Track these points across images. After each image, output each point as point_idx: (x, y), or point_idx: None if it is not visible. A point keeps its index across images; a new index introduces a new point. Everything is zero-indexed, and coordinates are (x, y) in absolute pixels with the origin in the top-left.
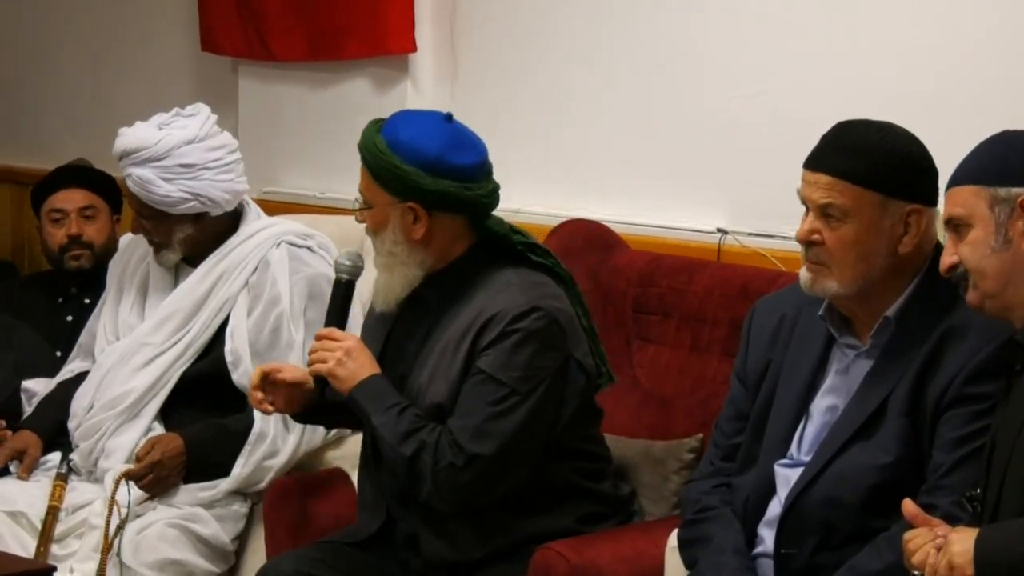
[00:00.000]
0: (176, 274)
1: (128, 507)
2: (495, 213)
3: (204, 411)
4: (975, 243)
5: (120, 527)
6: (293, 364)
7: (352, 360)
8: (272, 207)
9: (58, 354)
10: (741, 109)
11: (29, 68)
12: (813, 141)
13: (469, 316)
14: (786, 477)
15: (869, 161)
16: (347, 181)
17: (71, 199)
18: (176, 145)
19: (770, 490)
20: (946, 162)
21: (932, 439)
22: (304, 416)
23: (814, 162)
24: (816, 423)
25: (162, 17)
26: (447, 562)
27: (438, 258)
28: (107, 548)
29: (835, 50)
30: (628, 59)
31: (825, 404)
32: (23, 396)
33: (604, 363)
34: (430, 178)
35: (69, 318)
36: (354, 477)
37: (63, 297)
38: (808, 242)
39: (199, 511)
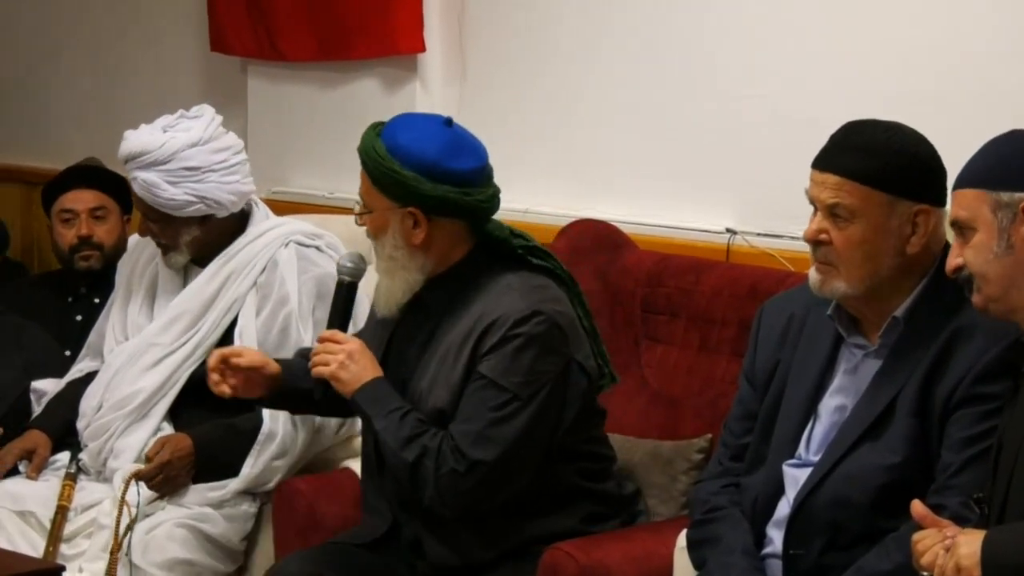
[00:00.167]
0: (185, 274)
1: (138, 507)
2: (501, 213)
3: (213, 411)
4: (978, 247)
5: (130, 527)
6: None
7: (355, 363)
8: (281, 207)
9: (67, 353)
10: (750, 109)
11: (38, 68)
12: (822, 141)
13: (470, 321)
14: (794, 477)
15: (877, 161)
16: (356, 181)
17: (81, 199)
18: (180, 148)
19: (778, 490)
20: (955, 162)
21: (941, 439)
22: (270, 401)
23: (822, 162)
24: (824, 423)
25: (171, 17)
26: (452, 566)
27: (438, 262)
28: (117, 548)
29: (843, 50)
30: (637, 59)
31: (833, 404)
32: (32, 396)
33: (606, 363)
34: (430, 183)
35: (79, 318)
36: None
37: (73, 296)
38: (816, 242)
39: (208, 511)
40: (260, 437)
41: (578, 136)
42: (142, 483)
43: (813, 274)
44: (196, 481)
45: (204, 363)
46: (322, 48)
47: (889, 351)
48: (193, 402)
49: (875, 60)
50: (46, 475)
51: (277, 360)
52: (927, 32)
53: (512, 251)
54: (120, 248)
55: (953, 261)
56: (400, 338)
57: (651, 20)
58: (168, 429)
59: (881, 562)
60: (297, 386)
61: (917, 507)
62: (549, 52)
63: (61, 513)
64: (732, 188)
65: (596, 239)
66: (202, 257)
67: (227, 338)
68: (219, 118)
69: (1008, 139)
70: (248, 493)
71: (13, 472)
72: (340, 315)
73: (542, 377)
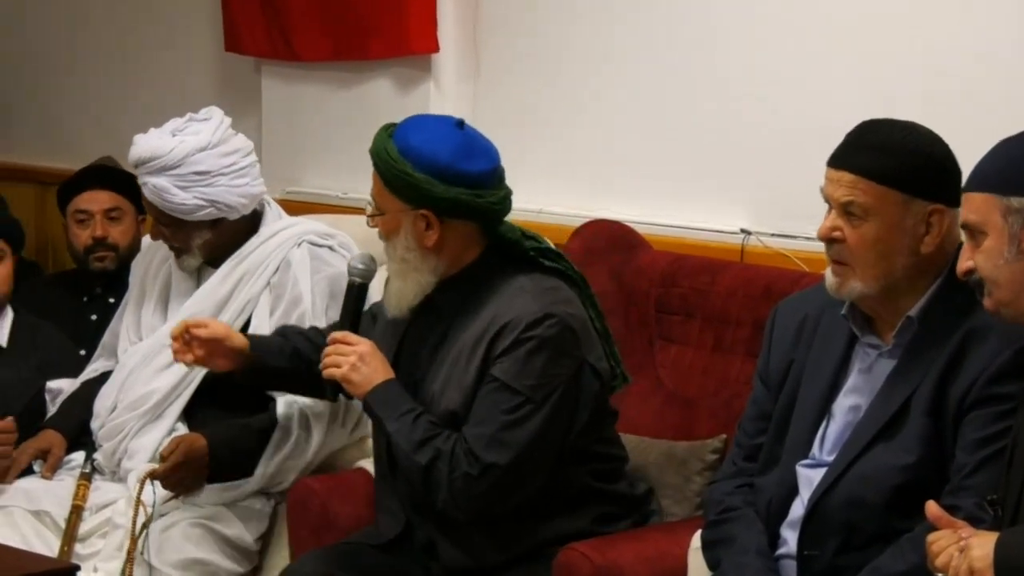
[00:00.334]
0: (198, 275)
1: (153, 506)
2: (514, 213)
3: (227, 411)
4: (988, 252)
5: (145, 526)
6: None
7: (366, 365)
8: (295, 207)
9: (82, 353)
10: (765, 110)
11: (53, 68)
12: (837, 142)
13: (483, 323)
14: (808, 478)
15: (892, 160)
16: (369, 182)
17: (97, 200)
18: (190, 152)
19: (793, 491)
20: (971, 163)
21: (955, 440)
22: (241, 377)
23: (837, 160)
24: (839, 423)
25: (186, 17)
26: (465, 568)
27: (450, 264)
28: (133, 548)
29: (860, 51)
30: (651, 59)
31: (848, 404)
32: (47, 396)
33: (618, 364)
34: (442, 185)
35: (94, 317)
36: None
37: (88, 296)
38: (829, 239)
39: (222, 510)
40: (274, 437)
41: (592, 136)
42: (157, 482)
43: (830, 276)
44: (211, 481)
45: None
46: (336, 48)
47: (903, 351)
48: (207, 402)
49: (891, 61)
50: (61, 475)
51: (250, 336)
52: (943, 33)
53: (524, 253)
54: (135, 248)
55: (964, 264)
56: (412, 340)
57: (666, 20)
58: (183, 429)
59: (896, 563)
60: (267, 363)
61: (931, 508)
62: (563, 52)
63: (76, 513)
64: (747, 188)
65: (610, 239)
66: (215, 258)
67: None
68: (228, 120)
69: (1019, 141)
70: (262, 493)
71: (28, 472)
72: (350, 316)
73: (555, 380)
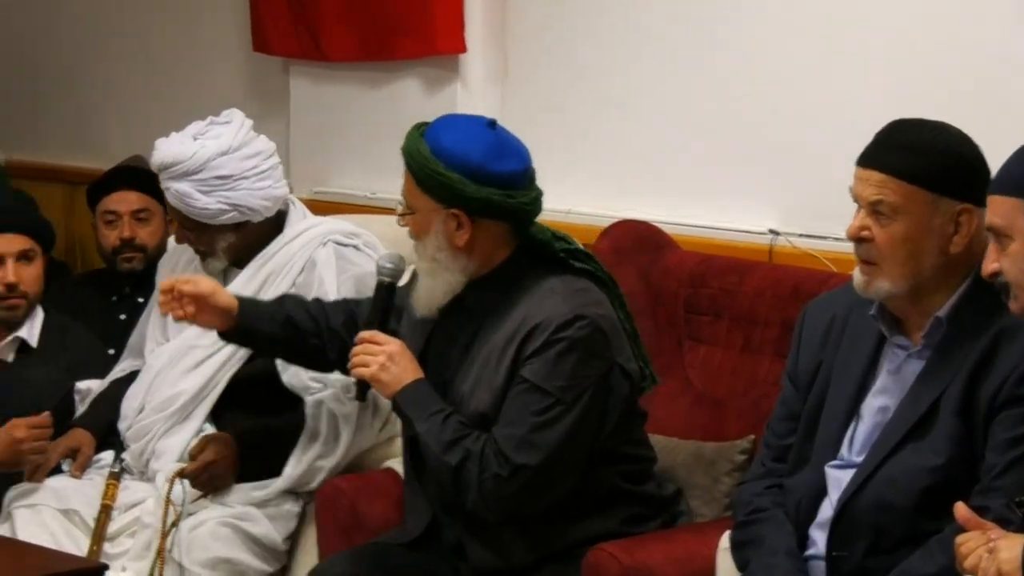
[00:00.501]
0: (224, 276)
1: (182, 505)
2: (543, 213)
3: (254, 413)
4: (1015, 257)
5: (174, 524)
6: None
7: (395, 364)
8: (323, 207)
9: (111, 352)
10: (793, 110)
11: (81, 68)
12: (865, 142)
13: (513, 324)
14: (837, 479)
15: (921, 159)
16: (399, 181)
17: (125, 201)
18: (211, 157)
19: (822, 492)
20: (998, 165)
21: (985, 440)
22: (227, 335)
23: (867, 159)
24: (867, 423)
25: (214, 17)
26: (494, 569)
27: (481, 264)
28: (163, 547)
29: (891, 49)
30: (680, 59)
31: (876, 404)
32: (76, 396)
33: (647, 365)
34: (474, 185)
35: (122, 317)
36: None
37: (117, 296)
38: (858, 239)
39: (251, 510)
40: (303, 438)
41: (620, 137)
42: (186, 481)
43: (857, 275)
44: (239, 480)
45: (245, 365)
46: (364, 48)
47: (932, 351)
48: (235, 404)
49: (920, 61)
50: (90, 474)
51: (241, 298)
52: (974, 33)
53: (554, 254)
54: (163, 249)
55: (989, 266)
56: (440, 340)
57: (694, 19)
58: (210, 431)
59: (925, 565)
60: (254, 327)
61: (961, 509)
62: (591, 52)
63: (105, 512)
64: (775, 189)
65: (638, 240)
66: (240, 259)
67: None
68: (249, 122)
69: None
70: (291, 492)
71: (56, 471)
72: (379, 315)
73: (585, 381)
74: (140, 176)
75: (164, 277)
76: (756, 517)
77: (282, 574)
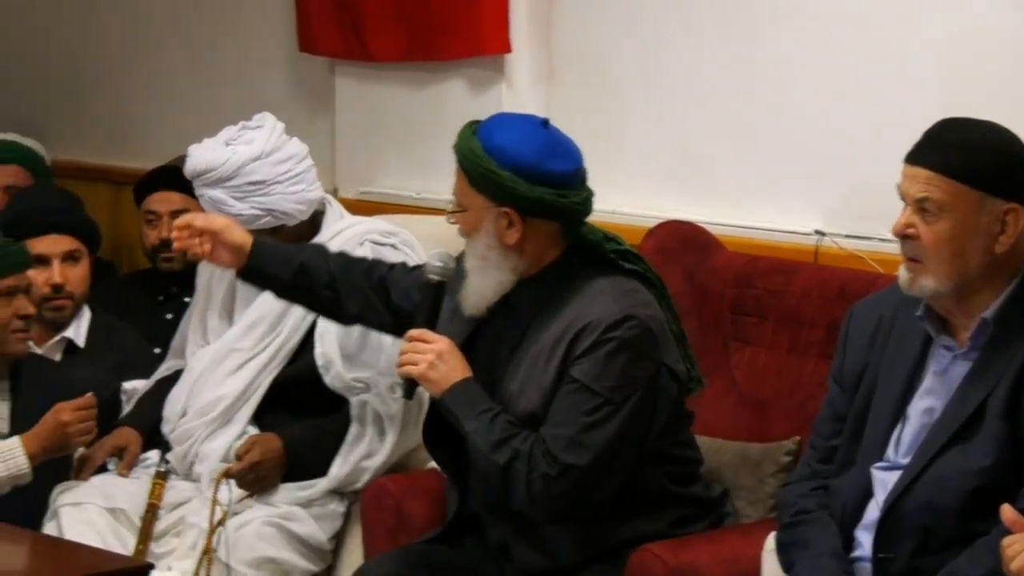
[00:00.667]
0: None
1: (228, 505)
2: (590, 216)
3: (297, 415)
4: None
5: (219, 524)
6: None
7: (444, 363)
8: (368, 207)
9: (157, 352)
10: (839, 110)
11: (127, 68)
12: (914, 142)
13: (562, 324)
14: (883, 481)
15: (968, 157)
16: (444, 181)
17: (166, 201)
18: (244, 163)
19: (868, 493)
20: None
21: None
22: (243, 275)
23: (914, 156)
24: (914, 425)
25: (260, 18)
26: (540, 569)
27: (531, 264)
28: (210, 547)
29: (936, 49)
30: (725, 59)
31: (923, 406)
32: (123, 397)
33: (693, 367)
34: (526, 184)
35: (169, 316)
36: None
37: (163, 296)
38: (903, 236)
39: (296, 510)
40: (348, 438)
41: (666, 137)
42: (232, 481)
43: (903, 273)
44: (285, 480)
45: (286, 367)
46: (410, 48)
47: (979, 353)
48: (278, 407)
49: (969, 62)
50: (136, 473)
51: (259, 241)
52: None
53: (604, 255)
54: None
55: None
56: (488, 339)
57: (740, 20)
58: (253, 432)
59: (972, 567)
60: (264, 269)
61: (1007, 512)
62: (636, 53)
63: (151, 511)
64: (821, 189)
65: (683, 240)
66: None
67: (308, 340)
68: (281, 125)
69: None
70: (336, 492)
71: (102, 469)
72: (428, 314)
73: (634, 382)
74: (181, 176)
75: (204, 279)
76: (801, 518)
77: (327, 574)
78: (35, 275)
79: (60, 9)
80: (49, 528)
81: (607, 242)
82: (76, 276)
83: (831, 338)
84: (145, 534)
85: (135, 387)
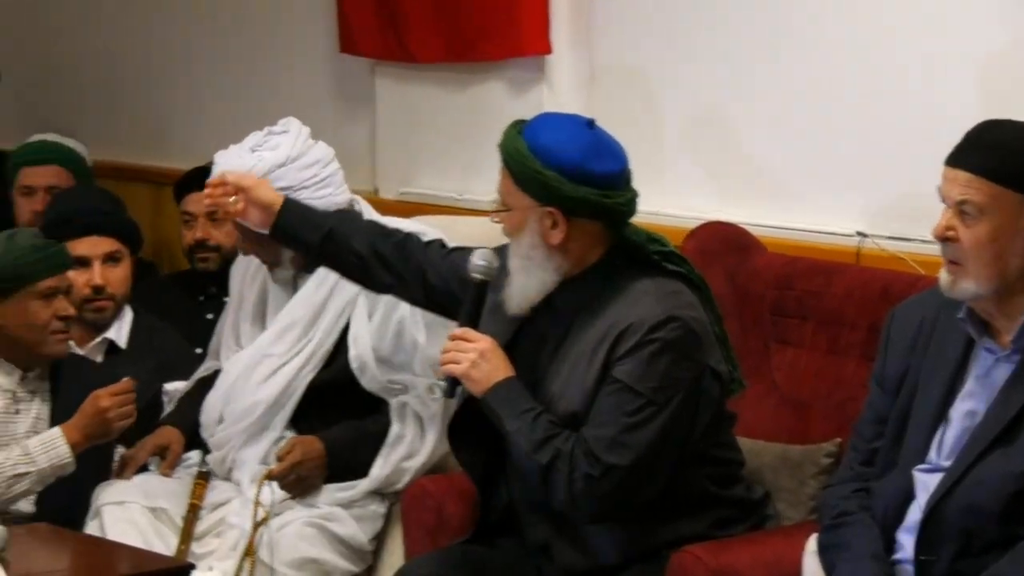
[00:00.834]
0: (294, 281)
1: (270, 506)
2: (634, 216)
3: (334, 418)
4: None
5: (262, 523)
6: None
7: (486, 362)
8: (409, 208)
9: (198, 352)
10: (881, 111)
11: (168, 70)
12: (954, 144)
13: (605, 325)
14: (925, 483)
15: (1009, 160)
16: (485, 182)
17: (203, 202)
18: (269, 169)
19: (909, 496)
20: None
21: None
22: (274, 235)
23: (955, 159)
24: (956, 428)
25: (301, 19)
26: (580, 570)
27: (574, 264)
28: (253, 549)
29: (977, 52)
30: (767, 62)
31: (965, 409)
32: (164, 398)
33: (735, 369)
34: (571, 184)
35: (209, 316)
36: None
37: (203, 296)
38: (944, 238)
39: (337, 511)
40: (389, 439)
41: (706, 138)
42: (274, 483)
43: (943, 275)
44: (327, 481)
45: (321, 371)
46: (450, 49)
47: (1022, 355)
48: (314, 411)
49: (1010, 64)
50: (178, 472)
51: (290, 201)
52: None
53: (648, 256)
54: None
55: None
56: (530, 338)
57: (783, 22)
58: (290, 437)
59: (1014, 569)
60: (291, 231)
61: None
62: (677, 55)
63: (193, 511)
64: (862, 191)
65: (725, 241)
66: (310, 265)
67: (342, 343)
68: (306, 130)
69: None
70: (377, 493)
71: (143, 469)
72: (471, 313)
73: (677, 383)
74: None
75: (236, 282)
76: (843, 521)
77: (368, 574)
78: (76, 276)
79: (100, 11)
80: (92, 527)
81: (651, 243)
82: (117, 277)
83: (872, 339)
84: (187, 534)
85: (176, 388)
